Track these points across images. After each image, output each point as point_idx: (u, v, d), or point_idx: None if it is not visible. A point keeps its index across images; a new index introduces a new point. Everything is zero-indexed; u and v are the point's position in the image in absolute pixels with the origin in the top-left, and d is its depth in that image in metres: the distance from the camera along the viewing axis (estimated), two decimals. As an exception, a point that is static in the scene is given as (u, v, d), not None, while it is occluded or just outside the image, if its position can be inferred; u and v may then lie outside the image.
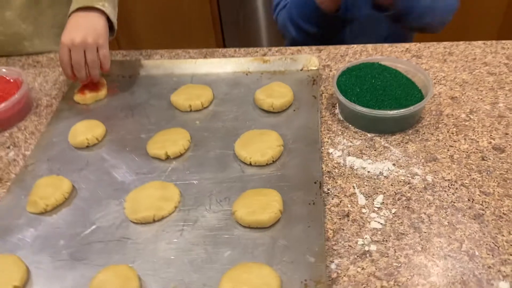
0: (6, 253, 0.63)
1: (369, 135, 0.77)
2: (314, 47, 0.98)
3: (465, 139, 0.74)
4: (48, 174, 0.74)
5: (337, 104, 0.83)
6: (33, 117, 0.88)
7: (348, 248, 0.61)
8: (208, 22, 2.13)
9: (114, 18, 0.86)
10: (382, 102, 0.76)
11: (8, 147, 0.82)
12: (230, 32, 2.22)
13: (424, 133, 0.76)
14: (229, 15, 2.15)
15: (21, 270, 0.59)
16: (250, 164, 0.73)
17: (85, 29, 0.81)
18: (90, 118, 0.84)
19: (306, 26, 1.03)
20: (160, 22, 2.09)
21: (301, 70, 0.91)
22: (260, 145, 0.74)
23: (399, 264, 0.58)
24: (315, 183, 0.68)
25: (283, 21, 1.09)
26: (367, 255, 0.60)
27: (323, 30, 1.04)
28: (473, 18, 1.89)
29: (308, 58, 0.91)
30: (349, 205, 0.66)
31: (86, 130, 0.80)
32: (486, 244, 0.60)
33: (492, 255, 0.58)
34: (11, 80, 0.90)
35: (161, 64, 0.95)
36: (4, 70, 0.91)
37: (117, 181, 0.72)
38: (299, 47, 0.99)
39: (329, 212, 0.65)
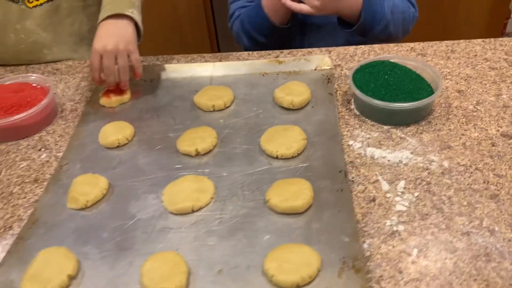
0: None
1: (385, 127, 0.82)
2: (323, 49, 1.04)
3: (474, 128, 0.80)
4: (83, 173, 0.77)
5: (352, 100, 0.88)
6: (60, 121, 0.92)
7: (377, 229, 0.65)
8: (203, 29, 2.17)
9: (141, 24, 0.91)
10: (397, 96, 0.82)
11: (40, 150, 0.85)
12: (225, 40, 2.27)
13: (436, 124, 0.82)
14: (224, 22, 2.20)
15: (72, 260, 0.63)
16: (277, 158, 0.77)
17: (117, 36, 0.86)
18: (117, 120, 0.88)
19: (257, 37, 1.09)
20: (156, 29, 2.12)
21: (314, 69, 0.96)
22: (285, 139, 0.78)
23: (427, 241, 0.63)
24: (340, 172, 0.73)
25: (236, 30, 1.14)
26: (396, 234, 0.65)
27: (274, 41, 1.09)
28: (460, 19, 1.98)
29: (321, 58, 0.96)
30: (374, 191, 0.71)
31: (116, 131, 0.84)
32: (504, 220, 0.65)
33: (511, 230, 0.63)
34: (38, 87, 0.93)
35: (179, 68, 0.99)
36: (33, 77, 0.94)
37: (151, 177, 0.76)
38: (309, 49, 1.04)
39: (356, 198, 0.70)
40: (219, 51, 2.25)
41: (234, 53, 1.06)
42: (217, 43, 2.27)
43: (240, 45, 1.17)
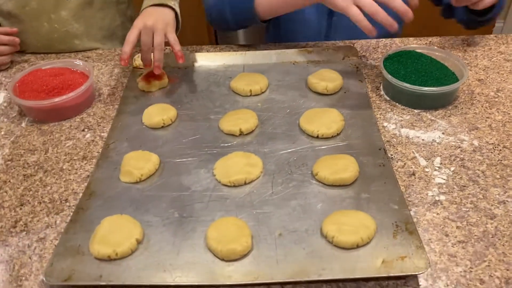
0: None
1: (415, 111, 0.87)
2: (347, 41, 1.09)
3: (497, 111, 0.86)
4: (131, 151, 0.80)
5: (381, 86, 0.94)
6: (99, 104, 0.94)
7: (420, 199, 0.70)
8: (201, 19, 2.21)
9: (180, 17, 0.94)
10: (426, 82, 0.87)
11: (83, 130, 0.88)
12: (224, 33, 2.31)
13: (462, 108, 0.88)
14: None
15: (137, 225, 0.66)
16: (317, 137, 0.81)
17: (157, 17, 0.89)
18: (158, 103, 0.91)
19: (230, 20, 1.05)
20: None
21: (343, 59, 1.01)
22: (324, 120, 0.83)
23: (467, 209, 0.68)
24: (379, 149, 0.78)
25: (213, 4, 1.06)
26: (439, 203, 0.70)
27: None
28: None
29: (349, 48, 1.01)
30: (413, 166, 0.76)
31: (160, 112, 0.87)
32: (536, 190, 0.71)
33: (543, 198, 0.69)
34: (77, 71, 0.96)
35: (212, 56, 1.03)
36: (76, 62, 0.97)
37: (200, 154, 0.79)
38: (333, 42, 1.10)
39: (397, 173, 0.75)
40: (216, 42, 2.29)
41: (261, 44, 1.10)
42: (215, 36, 2.31)
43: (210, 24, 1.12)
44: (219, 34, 2.34)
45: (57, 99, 0.87)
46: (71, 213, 0.70)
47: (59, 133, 0.88)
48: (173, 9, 0.94)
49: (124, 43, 0.89)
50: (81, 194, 0.73)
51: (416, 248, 0.61)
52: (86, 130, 0.88)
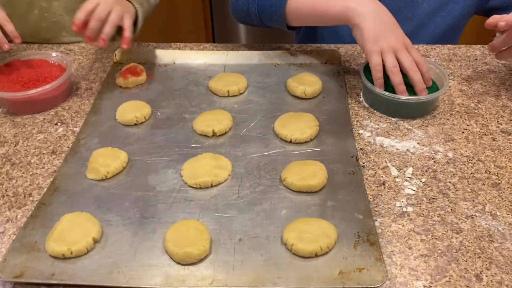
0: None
1: (393, 119, 0.86)
2: (332, 45, 1.08)
3: (476, 123, 0.85)
4: (101, 147, 0.79)
5: (361, 93, 0.92)
6: (75, 98, 0.93)
7: (388, 209, 0.69)
8: (199, 17, 2.20)
9: (141, 20, 0.94)
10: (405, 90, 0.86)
11: (56, 124, 0.87)
12: (220, 28, 2.30)
13: (440, 118, 0.86)
14: (221, 11, 2.23)
15: (96, 224, 0.64)
16: (290, 142, 0.80)
17: (119, 1, 0.88)
18: (133, 99, 0.90)
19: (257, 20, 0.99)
20: (152, 16, 2.12)
21: (325, 63, 1.00)
22: (298, 125, 0.82)
23: (434, 222, 0.67)
24: (351, 157, 0.77)
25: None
26: (405, 215, 0.68)
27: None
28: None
29: (332, 53, 1.00)
30: (383, 176, 0.75)
31: (134, 109, 0.86)
32: (505, 206, 0.69)
33: (512, 215, 0.68)
34: (55, 64, 0.95)
35: (194, 55, 1.02)
36: (53, 54, 0.96)
37: (170, 153, 0.78)
38: (318, 44, 1.08)
39: (367, 181, 0.74)
40: (213, 41, 2.28)
41: (245, 44, 1.09)
42: (212, 34, 2.30)
43: (234, 17, 1.05)
44: (216, 33, 2.33)
45: (31, 91, 0.86)
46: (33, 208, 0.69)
47: (32, 126, 0.87)
48: (135, 8, 0.93)
49: (80, 10, 0.86)
50: (46, 189, 0.73)
51: (375, 260, 0.59)
52: (59, 124, 0.87)
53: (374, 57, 0.83)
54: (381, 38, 0.83)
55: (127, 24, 0.89)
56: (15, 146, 0.82)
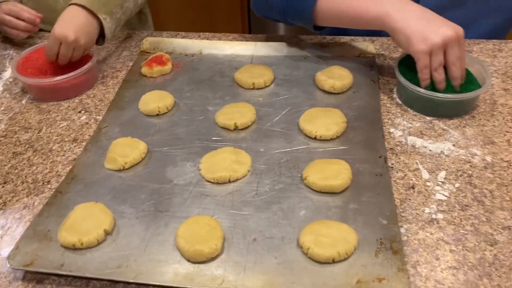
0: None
1: (428, 118, 0.81)
2: (367, 37, 1.03)
3: (520, 126, 0.78)
4: (122, 137, 0.78)
5: (395, 89, 0.87)
6: (101, 86, 0.93)
7: (415, 215, 0.64)
8: (236, 7, 2.16)
9: (108, 33, 0.93)
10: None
11: (80, 112, 0.86)
12: (257, 18, 2.25)
13: (480, 119, 0.80)
14: None
15: (109, 216, 0.63)
16: (315, 138, 0.76)
17: (82, 31, 0.88)
18: (157, 89, 0.88)
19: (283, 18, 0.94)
20: (187, 4, 2.11)
21: (358, 56, 0.95)
22: (325, 121, 0.78)
23: (466, 232, 0.62)
24: (380, 157, 0.72)
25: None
26: (434, 222, 0.63)
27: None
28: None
29: (366, 45, 0.95)
30: (413, 179, 0.70)
31: (157, 99, 0.84)
32: (548, 218, 0.63)
33: (555, 228, 0.62)
34: (82, 51, 0.94)
35: (222, 45, 0.99)
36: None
37: (189, 146, 0.76)
38: (352, 37, 1.03)
39: (395, 184, 0.69)
40: (249, 30, 2.24)
41: (275, 35, 1.05)
42: (249, 24, 2.26)
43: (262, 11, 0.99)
44: (253, 23, 2.29)
45: (56, 78, 0.86)
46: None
47: (56, 113, 0.87)
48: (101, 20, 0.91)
49: (47, 53, 0.89)
50: (64, 177, 0.72)
51: (397, 270, 0.55)
52: (82, 111, 0.87)
53: (423, 59, 0.77)
54: (431, 34, 0.76)
55: (77, 56, 0.90)
56: (38, 133, 0.82)
